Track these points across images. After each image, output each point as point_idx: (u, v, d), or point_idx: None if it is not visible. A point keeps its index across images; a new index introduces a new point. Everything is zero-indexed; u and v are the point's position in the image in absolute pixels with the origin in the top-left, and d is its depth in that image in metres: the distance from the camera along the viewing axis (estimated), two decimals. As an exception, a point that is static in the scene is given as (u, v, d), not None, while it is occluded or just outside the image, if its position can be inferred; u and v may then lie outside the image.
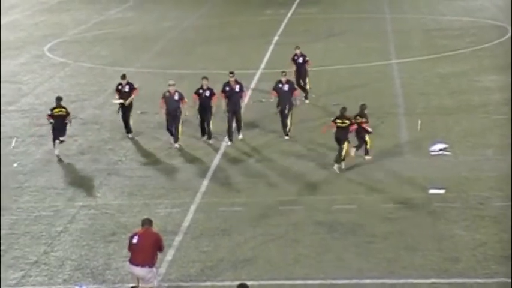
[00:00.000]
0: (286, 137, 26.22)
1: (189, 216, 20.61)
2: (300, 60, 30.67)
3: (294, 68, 30.53)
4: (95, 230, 19.99)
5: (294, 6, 55.95)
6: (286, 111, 26.28)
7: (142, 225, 15.88)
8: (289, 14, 52.78)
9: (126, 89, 27.17)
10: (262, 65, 37.08)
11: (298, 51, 30.84)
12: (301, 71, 30.70)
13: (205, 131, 26.41)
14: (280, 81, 26.57)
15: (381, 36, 43.35)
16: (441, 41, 41.51)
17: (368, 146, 24.05)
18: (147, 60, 39.95)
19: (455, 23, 46.66)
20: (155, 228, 16.22)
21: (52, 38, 47.10)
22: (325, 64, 37.09)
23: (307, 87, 30.84)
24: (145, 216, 16.66)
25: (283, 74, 26.91)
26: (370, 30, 45.67)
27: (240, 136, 26.39)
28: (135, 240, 15.62)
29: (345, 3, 56.61)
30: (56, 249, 18.97)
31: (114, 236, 19.54)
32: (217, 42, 43.94)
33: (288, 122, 26.35)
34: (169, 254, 18.08)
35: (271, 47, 40.96)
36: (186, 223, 20.16)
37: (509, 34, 41.86)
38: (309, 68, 30.87)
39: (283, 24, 49.11)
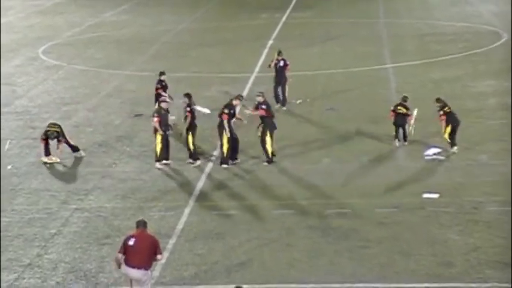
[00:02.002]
0: (266, 163, 24.39)
1: (183, 219, 20.59)
2: (281, 63, 30.02)
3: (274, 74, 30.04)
4: (88, 233, 19.95)
5: (288, 11, 55.99)
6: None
7: (137, 226, 15.84)
8: (284, 18, 52.80)
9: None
10: (257, 69, 37.07)
11: (279, 57, 30.19)
12: (281, 77, 30.02)
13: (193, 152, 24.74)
14: (258, 103, 24.75)
15: (375, 41, 43.40)
16: (435, 46, 41.57)
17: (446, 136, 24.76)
18: (142, 63, 39.90)
19: (449, 28, 46.75)
20: (149, 231, 16.20)
21: (46, 40, 47.05)
22: (320, 68, 37.13)
23: (286, 94, 30.08)
24: (139, 218, 16.60)
25: (259, 94, 25.07)
26: (365, 34, 45.71)
27: (236, 160, 24.60)
28: (131, 242, 15.54)
29: (340, 7, 56.71)
30: (49, 252, 18.94)
31: (107, 238, 19.51)
32: (212, 46, 43.95)
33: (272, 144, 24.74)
34: (163, 257, 18.03)
35: (266, 50, 40.89)
36: (180, 226, 20.15)
37: (504, 39, 41.96)
38: (288, 74, 30.32)
39: (278, 28, 49.13)
